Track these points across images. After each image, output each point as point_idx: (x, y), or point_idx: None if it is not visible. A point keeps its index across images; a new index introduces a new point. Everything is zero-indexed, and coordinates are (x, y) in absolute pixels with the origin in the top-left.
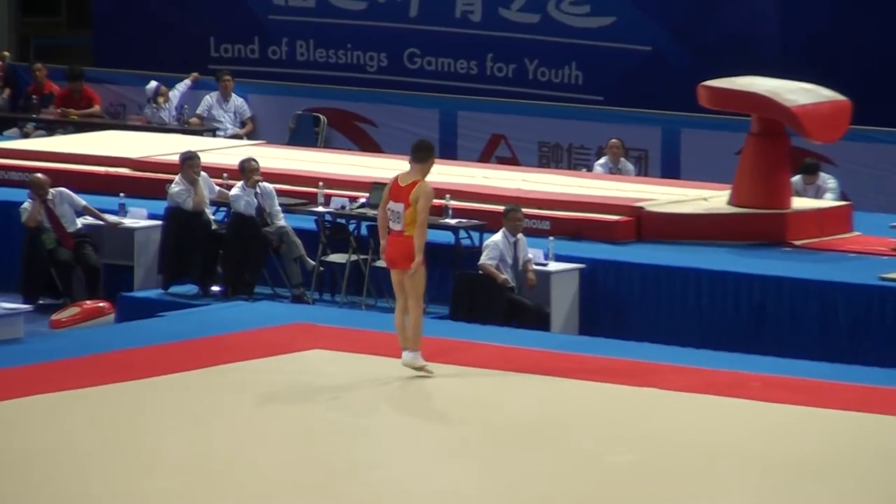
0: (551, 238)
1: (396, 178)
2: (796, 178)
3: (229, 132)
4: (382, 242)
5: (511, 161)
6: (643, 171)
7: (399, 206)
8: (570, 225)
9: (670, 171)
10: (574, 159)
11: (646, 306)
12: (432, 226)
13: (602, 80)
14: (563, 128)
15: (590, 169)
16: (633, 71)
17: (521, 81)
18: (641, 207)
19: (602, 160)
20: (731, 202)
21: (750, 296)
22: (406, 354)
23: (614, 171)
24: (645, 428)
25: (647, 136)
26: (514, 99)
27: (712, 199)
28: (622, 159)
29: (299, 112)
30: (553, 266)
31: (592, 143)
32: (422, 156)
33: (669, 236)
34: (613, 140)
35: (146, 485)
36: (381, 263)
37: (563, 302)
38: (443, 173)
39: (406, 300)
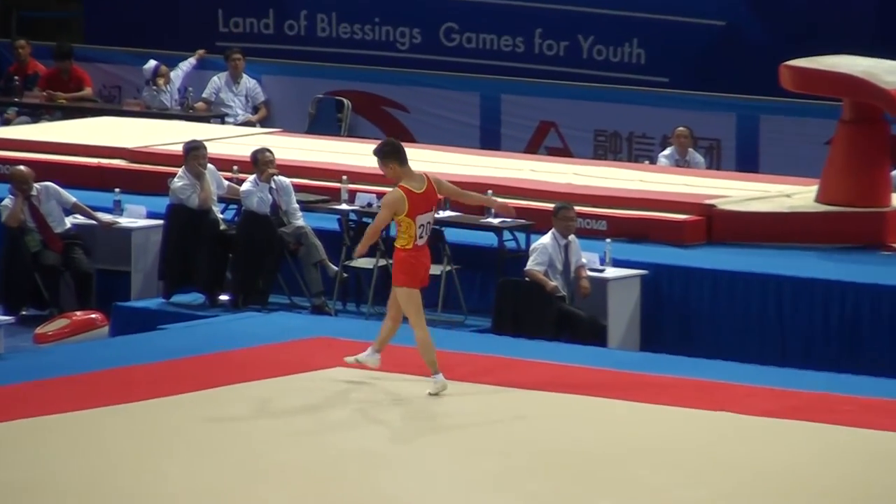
0: (608, 240)
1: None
2: None
3: (240, 118)
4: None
5: (562, 152)
6: (715, 163)
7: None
8: (630, 225)
9: (747, 163)
10: (635, 150)
11: (718, 318)
12: (472, 226)
13: (668, 59)
14: (622, 114)
15: (653, 161)
16: (704, 49)
17: (574, 61)
18: (713, 205)
19: (667, 151)
20: (818, 199)
21: (841, 307)
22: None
23: (681, 163)
24: (717, 457)
25: (719, 123)
26: (565, 81)
27: (796, 195)
28: (690, 150)
29: (320, 96)
30: (610, 272)
31: (656, 131)
32: (378, 160)
33: (745, 238)
34: (681, 128)
35: None
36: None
37: (622, 313)
38: (484, 166)
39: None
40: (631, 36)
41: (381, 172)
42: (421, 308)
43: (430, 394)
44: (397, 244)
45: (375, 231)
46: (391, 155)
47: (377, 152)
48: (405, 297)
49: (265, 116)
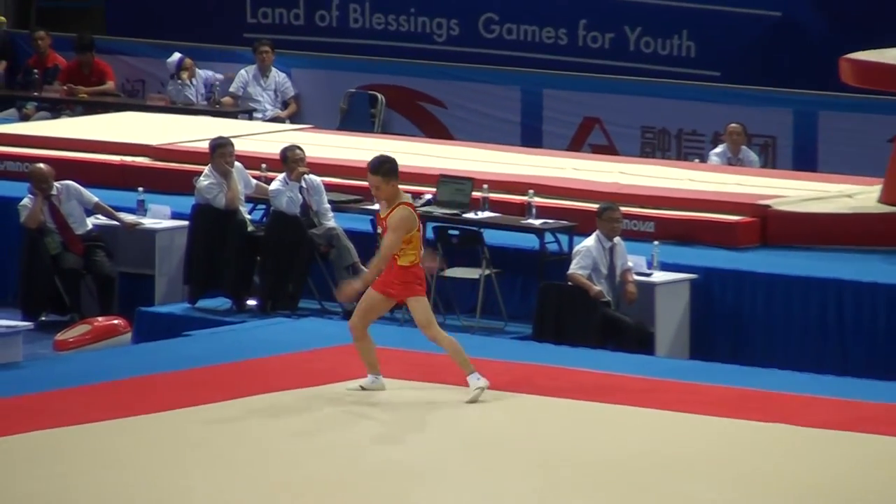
0: (656, 242)
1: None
2: None
3: (269, 114)
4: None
5: (607, 150)
6: (770, 161)
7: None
8: (679, 227)
9: (804, 161)
10: (684, 148)
11: (772, 325)
12: (513, 227)
13: (720, 51)
14: (671, 110)
15: (704, 159)
16: (759, 41)
17: (620, 53)
18: (768, 206)
19: (719, 149)
20: (881, 200)
21: None
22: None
23: (734, 161)
24: (773, 472)
25: (775, 119)
26: (611, 75)
27: (858, 196)
28: (744, 147)
29: (352, 90)
30: (658, 276)
31: (707, 128)
32: (380, 178)
33: (803, 241)
34: (733, 125)
35: None
36: (452, 273)
37: (670, 319)
38: (525, 164)
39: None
40: (681, 27)
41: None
42: None
43: (468, 401)
44: (404, 262)
45: (385, 259)
46: (394, 173)
47: (378, 169)
48: (425, 306)
49: (295, 112)
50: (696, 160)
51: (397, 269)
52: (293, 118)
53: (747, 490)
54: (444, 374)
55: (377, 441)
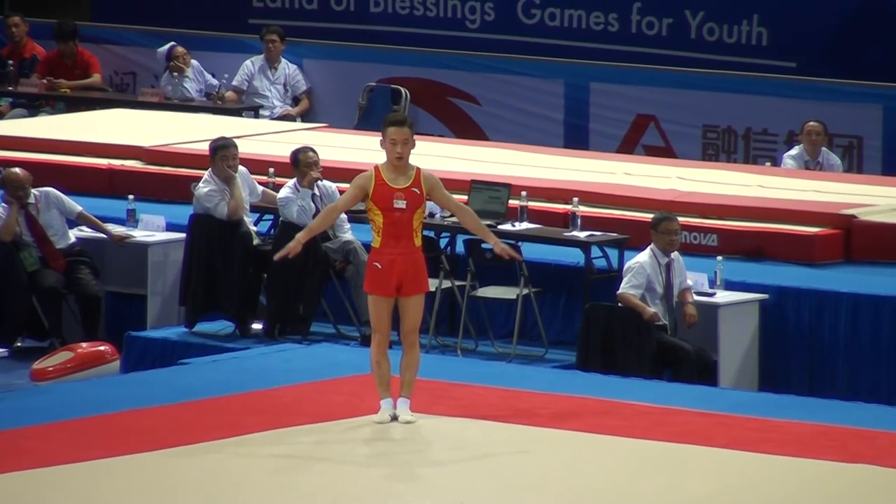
0: (720, 258)
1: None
2: None
3: (277, 111)
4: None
5: (663, 152)
6: (854, 165)
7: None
8: (747, 240)
9: (895, 165)
10: (753, 149)
11: (856, 352)
12: (555, 240)
13: (796, 39)
14: (738, 106)
15: (776, 163)
16: (841, 27)
17: (679, 42)
18: (852, 216)
19: (794, 151)
20: None
21: None
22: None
23: (812, 165)
24: None
25: (861, 117)
26: (668, 66)
27: None
28: (824, 149)
29: (372, 84)
30: (722, 296)
31: (780, 126)
32: (410, 131)
33: (892, 256)
34: (812, 123)
35: None
36: (485, 292)
37: (737, 345)
38: (569, 168)
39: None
40: (750, 11)
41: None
42: None
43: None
44: (419, 243)
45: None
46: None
47: (408, 122)
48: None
49: (307, 109)
50: (768, 164)
51: (419, 250)
52: (304, 116)
53: None
54: (480, 407)
55: (402, 484)
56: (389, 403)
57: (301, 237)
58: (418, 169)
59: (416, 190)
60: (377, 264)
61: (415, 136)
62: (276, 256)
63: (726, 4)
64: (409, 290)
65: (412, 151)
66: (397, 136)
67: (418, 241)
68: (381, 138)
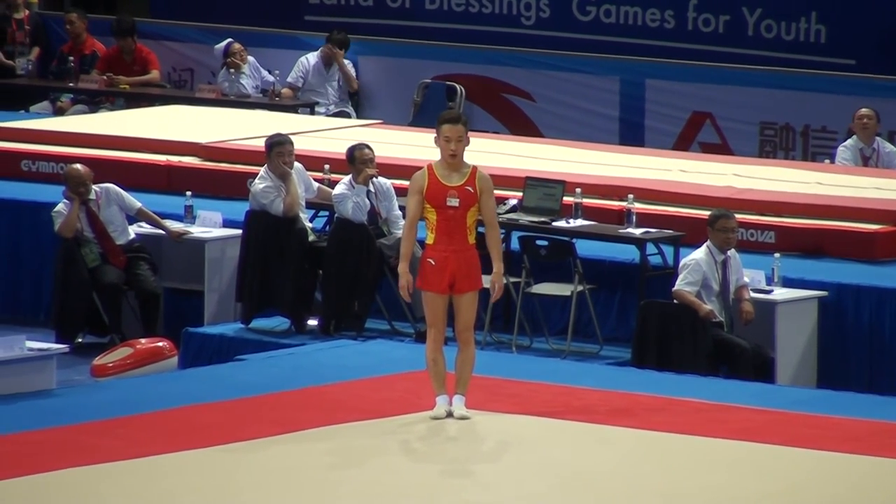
0: (777, 255)
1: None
2: None
3: (333, 108)
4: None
5: (720, 149)
6: None
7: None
8: (805, 237)
9: None
10: (812, 147)
11: None
12: (610, 237)
13: (855, 36)
14: (795, 103)
15: (834, 160)
16: None
17: (736, 39)
18: None
19: (849, 141)
20: None
21: None
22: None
23: (867, 152)
24: None
25: None
26: (725, 63)
27: None
28: (878, 139)
29: (427, 81)
30: (779, 293)
31: (839, 123)
32: (464, 128)
33: None
34: (863, 109)
35: None
36: (539, 289)
37: (794, 342)
38: (625, 165)
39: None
40: (808, 8)
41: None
42: None
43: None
44: (473, 240)
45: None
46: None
47: (462, 119)
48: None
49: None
50: (826, 161)
51: (473, 247)
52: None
53: None
54: (534, 403)
55: (453, 478)
56: (445, 400)
57: (403, 269)
58: (475, 168)
59: (469, 188)
60: (431, 261)
61: (469, 134)
62: (402, 290)
63: (784, 2)
64: (462, 288)
65: (467, 149)
66: (451, 133)
67: (472, 239)
68: (435, 135)
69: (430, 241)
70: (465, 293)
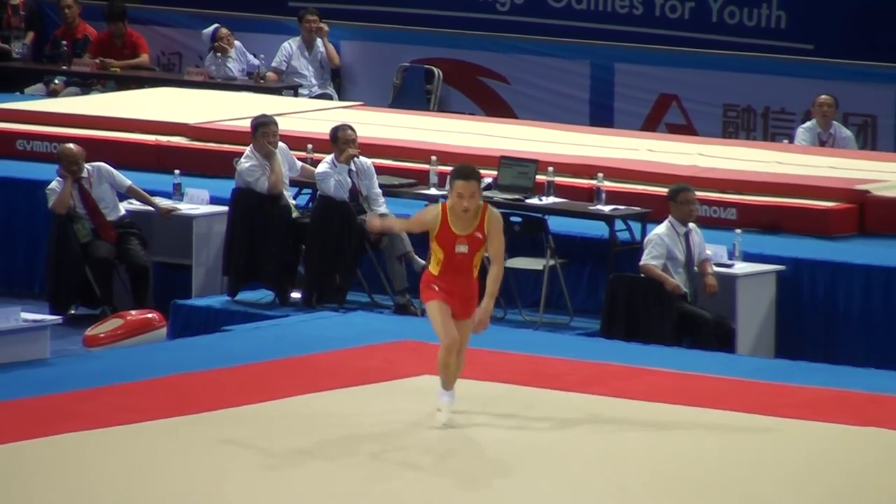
0: (738, 231)
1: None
2: None
3: (316, 91)
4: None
5: (685, 129)
6: (869, 142)
7: None
8: (764, 214)
9: None
10: (771, 128)
11: (869, 321)
12: (580, 214)
13: (813, 21)
14: (757, 86)
15: (793, 140)
16: (859, 11)
17: (701, 25)
18: (866, 191)
19: (808, 123)
20: None
21: None
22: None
23: (824, 137)
24: (865, 481)
25: (875, 97)
26: (690, 48)
27: None
28: (835, 122)
29: (406, 64)
30: (740, 267)
31: (797, 106)
32: (476, 184)
33: None
34: (823, 96)
35: None
36: (513, 263)
37: (754, 314)
38: (595, 145)
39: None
40: None
41: (475, 152)
42: None
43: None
44: (476, 275)
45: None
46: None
47: (476, 174)
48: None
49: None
50: (785, 141)
51: (475, 280)
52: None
53: (835, 499)
54: (509, 372)
55: (437, 446)
56: (451, 396)
57: (383, 221)
58: (485, 208)
59: (479, 234)
60: (435, 287)
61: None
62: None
63: None
64: (459, 316)
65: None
66: (465, 189)
67: (476, 273)
68: (448, 188)
69: (434, 270)
70: (461, 320)
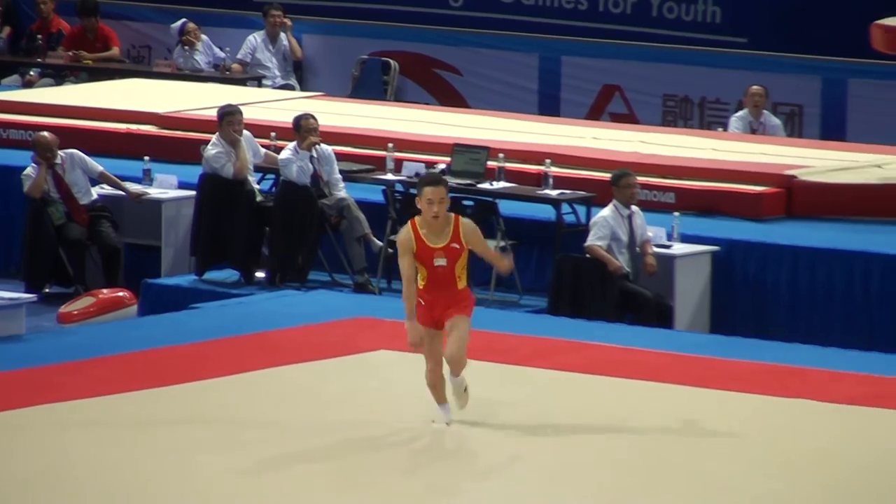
0: (676, 214)
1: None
2: None
3: (279, 82)
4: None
5: (627, 118)
6: (796, 130)
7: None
8: (700, 197)
9: (833, 131)
10: (707, 116)
11: (797, 298)
12: (528, 198)
13: (746, 17)
14: (693, 77)
15: (727, 128)
16: (788, 5)
17: (641, 19)
18: (793, 176)
19: (740, 113)
20: None
21: None
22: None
23: (755, 125)
24: (797, 449)
25: (802, 87)
26: (632, 41)
27: (888, 166)
28: (765, 112)
29: (364, 57)
30: (678, 248)
31: (731, 96)
32: (445, 189)
33: (830, 212)
34: (755, 87)
35: None
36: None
37: (691, 292)
38: (543, 133)
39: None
40: None
41: (430, 140)
42: None
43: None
44: (463, 286)
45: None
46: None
47: (443, 181)
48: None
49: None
50: (720, 129)
51: (463, 289)
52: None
53: (767, 467)
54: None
55: (391, 418)
56: (446, 409)
57: (409, 326)
58: (456, 219)
59: (455, 245)
60: (421, 301)
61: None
62: (411, 346)
63: None
64: (448, 316)
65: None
66: (434, 195)
67: (461, 285)
68: (416, 196)
69: (420, 285)
70: (450, 319)
